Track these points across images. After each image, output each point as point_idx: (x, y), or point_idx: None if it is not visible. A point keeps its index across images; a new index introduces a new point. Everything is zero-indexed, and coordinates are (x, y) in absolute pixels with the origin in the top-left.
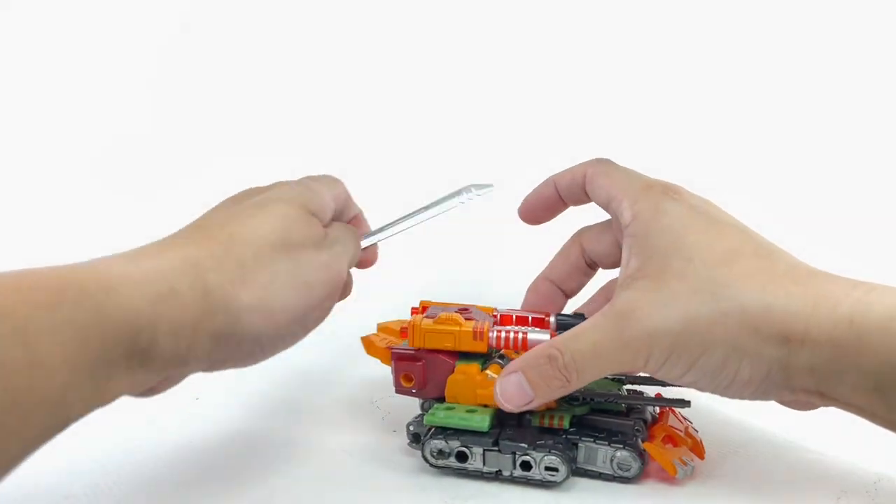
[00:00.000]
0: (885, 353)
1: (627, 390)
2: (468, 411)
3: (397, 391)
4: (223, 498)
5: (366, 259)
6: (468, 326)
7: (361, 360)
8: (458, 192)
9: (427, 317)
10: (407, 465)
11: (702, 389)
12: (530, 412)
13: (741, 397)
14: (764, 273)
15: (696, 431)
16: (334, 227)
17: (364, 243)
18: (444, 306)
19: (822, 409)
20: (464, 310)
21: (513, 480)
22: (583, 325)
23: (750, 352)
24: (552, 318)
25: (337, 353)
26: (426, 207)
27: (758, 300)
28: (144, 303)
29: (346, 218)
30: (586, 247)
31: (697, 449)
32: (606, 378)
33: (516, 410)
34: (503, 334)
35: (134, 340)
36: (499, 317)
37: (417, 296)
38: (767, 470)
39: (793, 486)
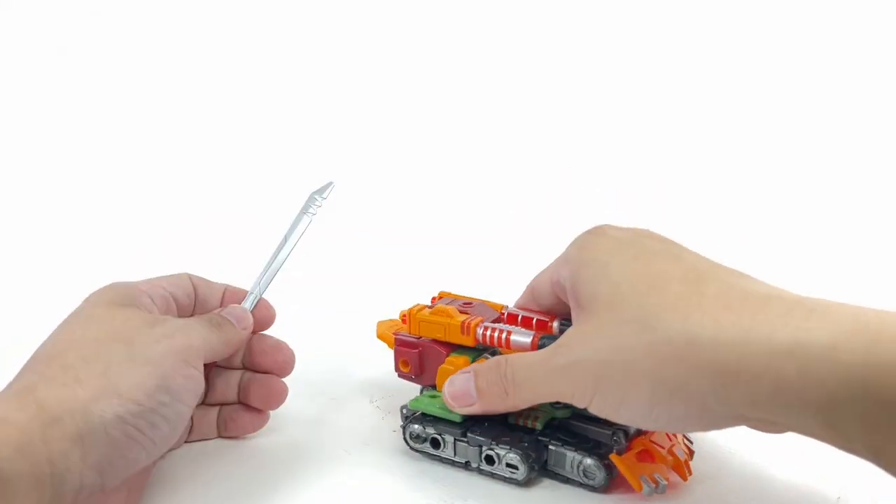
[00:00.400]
0: (831, 387)
1: None
2: None
3: (399, 376)
4: (221, 497)
5: (262, 319)
6: (458, 320)
7: (361, 359)
8: (306, 208)
9: (429, 307)
10: (406, 464)
11: (644, 427)
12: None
13: (692, 430)
14: (691, 299)
15: (690, 452)
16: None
17: (248, 303)
18: (455, 298)
19: None
20: (467, 304)
21: (481, 473)
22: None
23: (678, 386)
24: (555, 324)
25: (337, 352)
26: (284, 240)
27: (682, 330)
28: None
29: (212, 298)
30: (535, 293)
31: (679, 468)
32: None
33: (459, 411)
34: (489, 332)
35: None
36: (506, 315)
37: (453, 287)
38: (765, 471)
39: (792, 487)
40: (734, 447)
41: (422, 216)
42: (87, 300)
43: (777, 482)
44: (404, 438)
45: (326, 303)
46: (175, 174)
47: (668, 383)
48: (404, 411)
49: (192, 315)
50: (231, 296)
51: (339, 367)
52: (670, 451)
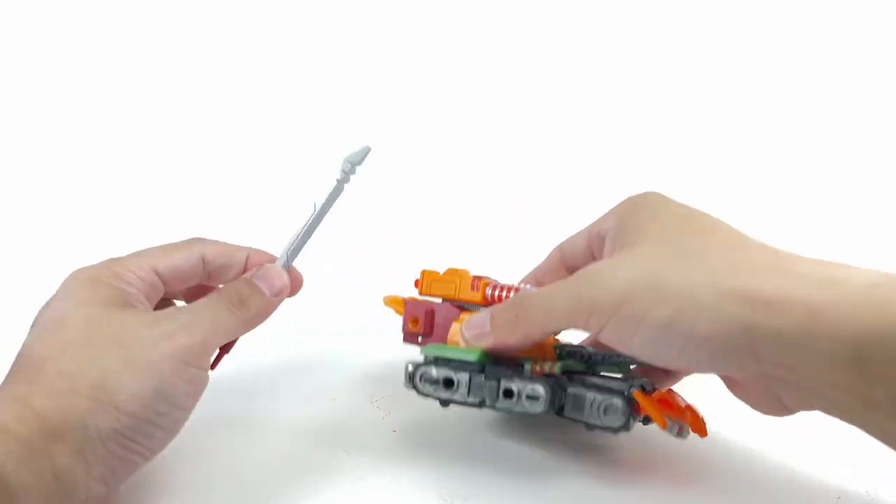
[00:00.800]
0: (867, 320)
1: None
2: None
3: (405, 340)
4: (219, 495)
5: (292, 284)
6: (469, 277)
7: (362, 358)
8: (343, 176)
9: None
10: (406, 465)
11: (653, 361)
12: (524, 360)
13: (699, 368)
14: (734, 242)
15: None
16: (178, 307)
17: (279, 262)
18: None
19: (819, 413)
20: (477, 278)
21: (496, 410)
22: None
23: (708, 305)
24: None
25: (337, 352)
26: (316, 207)
27: (723, 259)
28: None
29: (233, 264)
30: (565, 254)
31: (697, 425)
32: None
33: (472, 343)
34: (498, 290)
35: None
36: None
37: None
38: (765, 469)
39: (791, 487)
40: (734, 445)
41: (423, 211)
42: (68, 291)
43: (777, 480)
44: (413, 385)
45: (326, 303)
46: (190, 158)
47: (696, 301)
48: (409, 367)
49: (202, 284)
50: (256, 258)
51: (339, 367)
52: (688, 407)
